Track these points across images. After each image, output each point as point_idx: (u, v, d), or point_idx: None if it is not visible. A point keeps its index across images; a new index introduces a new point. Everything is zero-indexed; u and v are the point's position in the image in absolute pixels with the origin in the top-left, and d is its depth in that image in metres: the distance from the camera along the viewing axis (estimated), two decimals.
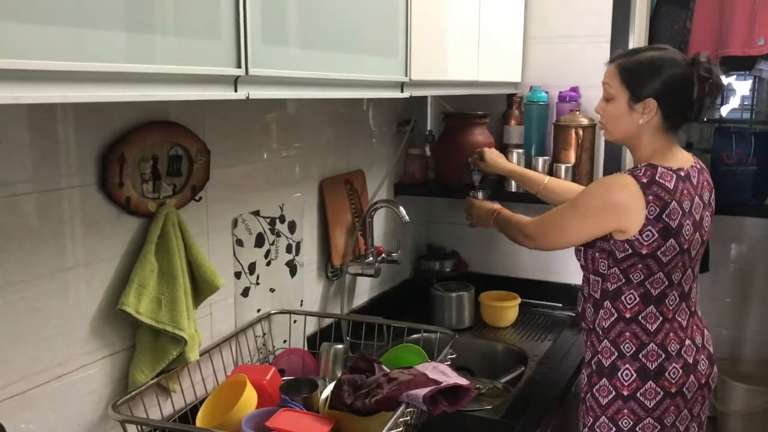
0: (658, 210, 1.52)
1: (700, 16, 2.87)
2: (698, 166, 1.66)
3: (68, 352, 1.29)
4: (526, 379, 1.98)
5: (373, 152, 2.30)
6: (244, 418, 1.34)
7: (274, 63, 1.16)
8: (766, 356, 3.52)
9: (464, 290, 2.41)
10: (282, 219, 1.85)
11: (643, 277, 1.58)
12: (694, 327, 1.67)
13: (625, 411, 1.61)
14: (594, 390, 1.66)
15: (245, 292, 1.74)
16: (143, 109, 1.38)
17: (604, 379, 1.64)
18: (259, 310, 1.80)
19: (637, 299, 1.60)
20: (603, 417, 1.64)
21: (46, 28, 0.78)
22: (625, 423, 1.61)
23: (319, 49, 1.29)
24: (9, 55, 0.74)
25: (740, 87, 3.54)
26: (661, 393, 1.60)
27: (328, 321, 2.02)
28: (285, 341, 1.88)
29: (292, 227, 1.89)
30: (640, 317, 1.60)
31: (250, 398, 1.40)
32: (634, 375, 1.60)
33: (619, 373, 1.62)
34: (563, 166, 2.28)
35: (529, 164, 2.32)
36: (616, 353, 1.63)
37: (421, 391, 1.33)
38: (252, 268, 1.76)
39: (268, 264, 1.81)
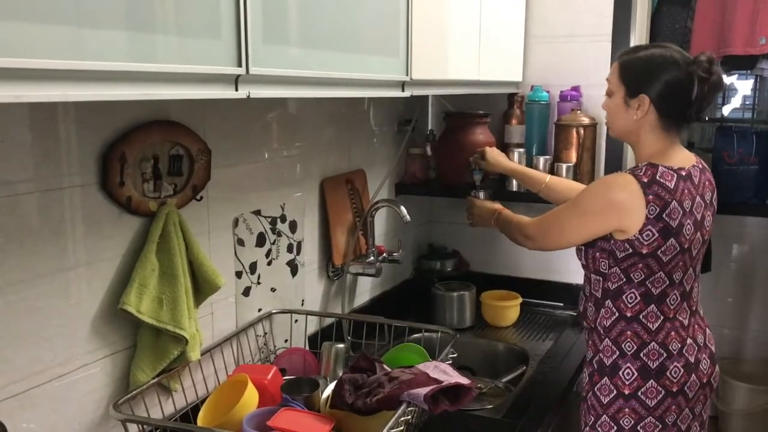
0: (658, 209, 1.52)
1: (702, 16, 2.87)
2: (700, 166, 1.66)
3: (69, 352, 1.29)
4: (528, 378, 1.98)
5: (374, 152, 2.30)
6: (245, 418, 1.34)
7: (275, 62, 1.16)
8: None
9: (465, 290, 2.41)
10: (283, 218, 1.85)
11: (643, 276, 1.58)
12: (696, 326, 1.67)
13: (627, 410, 1.61)
14: (595, 389, 1.66)
15: (246, 292, 1.74)
16: (144, 108, 1.38)
17: (606, 378, 1.64)
18: (260, 310, 1.80)
19: (638, 298, 1.60)
20: (604, 416, 1.64)
21: (47, 27, 0.78)
22: (627, 422, 1.61)
23: (320, 49, 1.29)
24: (10, 54, 0.74)
25: (742, 86, 3.53)
26: (663, 392, 1.59)
27: (329, 320, 2.02)
28: (286, 341, 1.88)
29: (293, 227, 1.89)
30: (641, 316, 1.60)
31: (251, 398, 1.40)
32: (636, 374, 1.60)
33: (620, 372, 1.62)
34: (564, 166, 2.28)
35: (530, 163, 2.32)
36: (618, 352, 1.62)
37: (423, 391, 1.33)
38: (253, 267, 1.76)
39: (269, 263, 1.81)
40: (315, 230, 2.01)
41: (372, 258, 2.14)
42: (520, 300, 2.44)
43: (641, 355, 1.60)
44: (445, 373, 1.43)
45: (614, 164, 2.32)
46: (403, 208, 2.05)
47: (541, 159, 2.30)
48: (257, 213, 1.75)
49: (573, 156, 2.29)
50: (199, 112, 1.52)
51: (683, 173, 1.58)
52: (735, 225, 3.48)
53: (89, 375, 1.33)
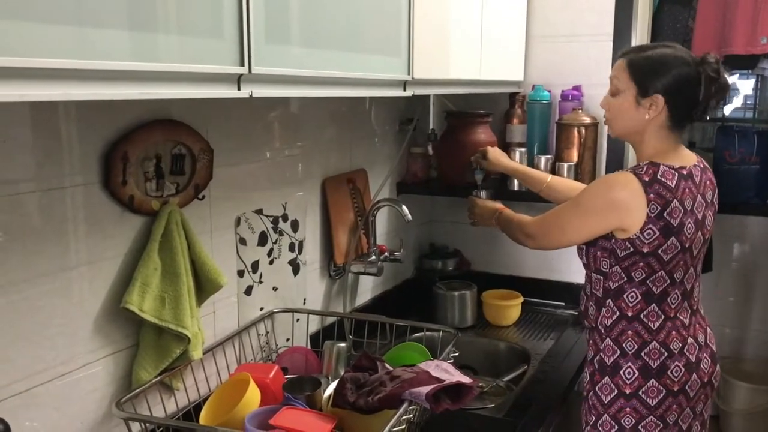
0: (659, 208, 1.52)
1: (703, 15, 2.87)
2: (701, 165, 1.66)
3: (71, 351, 1.29)
4: (529, 377, 1.98)
5: (375, 151, 2.30)
6: (247, 416, 1.34)
7: (277, 61, 1.16)
8: None
9: (467, 289, 2.41)
10: (285, 218, 1.85)
11: (644, 275, 1.58)
12: (697, 325, 1.67)
13: (628, 409, 1.61)
14: (596, 388, 1.66)
15: (248, 291, 1.74)
16: (146, 107, 1.38)
17: (607, 378, 1.64)
18: (262, 309, 1.80)
19: (639, 297, 1.60)
20: (605, 415, 1.64)
21: (49, 26, 0.78)
22: (628, 421, 1.61)
23: (322, 48, 1.29)
24: (13, 53, 0.75)
25: (743, 86, 3.54)
26: (664, 391, 1.60)
27: (330, 319, 2.02)
28: (288, 339, 1.88)
29: (294, 226, 1.90)
30: (642, 315, 1.60)
31: (253, 396, 1.40)
32: (637, 373, 1.60)
33: (621, 372, 1.62)
34: (566, 165, 2.28)
35: (531, 163, 2.32)
36: (619, 351, 1.62)
37: (424, 389, 1.33)
38: (255, 266, 1.76)
39: (271, 263, 1.81)
40: (317, 229, 2.01)
41: (373, 257, 2.14)
42: (522, 299, 2.44)
43: (642, 354, 1.60)
44: (447, 372, 1.43)
45: (615, 164, 2.32)
46: (404, 207, 2.05)
47: (543, 158, 2.30)
48: (259, 212, 1.75)
49: (574, 155, 2.30)
50: (202, 111, 1.52)
51: (684, 172, 1.58)
52: (736, 224, 3.48)
53: (91, 374, 1.33)
